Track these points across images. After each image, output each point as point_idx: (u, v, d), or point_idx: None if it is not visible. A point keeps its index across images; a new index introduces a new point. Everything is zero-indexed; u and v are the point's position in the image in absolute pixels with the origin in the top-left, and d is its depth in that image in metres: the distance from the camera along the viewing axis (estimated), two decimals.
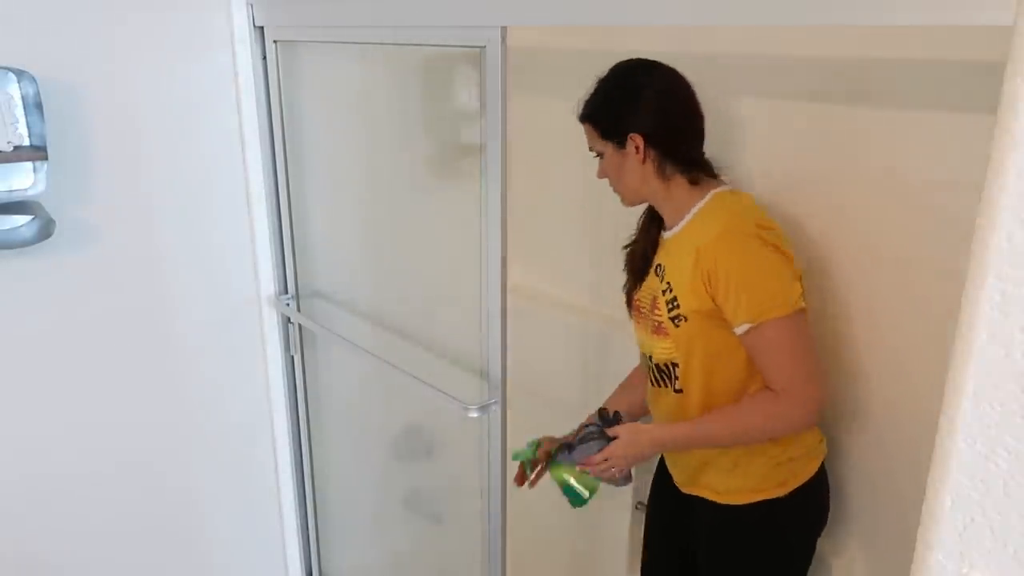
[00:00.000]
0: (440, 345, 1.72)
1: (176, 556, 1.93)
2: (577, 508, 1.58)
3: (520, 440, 1.85)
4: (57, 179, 1.47)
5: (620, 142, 1.42)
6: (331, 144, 1.86)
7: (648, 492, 1.80)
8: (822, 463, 1.52)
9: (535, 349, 1.93)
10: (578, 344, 1.99)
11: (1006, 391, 0.58)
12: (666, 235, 1.48)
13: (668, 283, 1.44)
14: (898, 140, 1.41)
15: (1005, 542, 0.60)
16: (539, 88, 1.92)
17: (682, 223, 1.44)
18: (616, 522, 2.04)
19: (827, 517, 1.55)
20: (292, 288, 1.94)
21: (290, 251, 1.91)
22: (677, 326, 1.43)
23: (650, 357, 1.54)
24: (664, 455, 1.69)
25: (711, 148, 1.54)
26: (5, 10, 1.43)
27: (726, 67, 1.70)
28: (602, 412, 1.58)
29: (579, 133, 1.93)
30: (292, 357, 1.99)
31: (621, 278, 1.76)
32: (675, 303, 1.42)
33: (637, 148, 1.41)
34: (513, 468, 1.63)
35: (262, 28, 1.73)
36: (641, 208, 1.54)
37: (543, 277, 2.03)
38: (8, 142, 1.38)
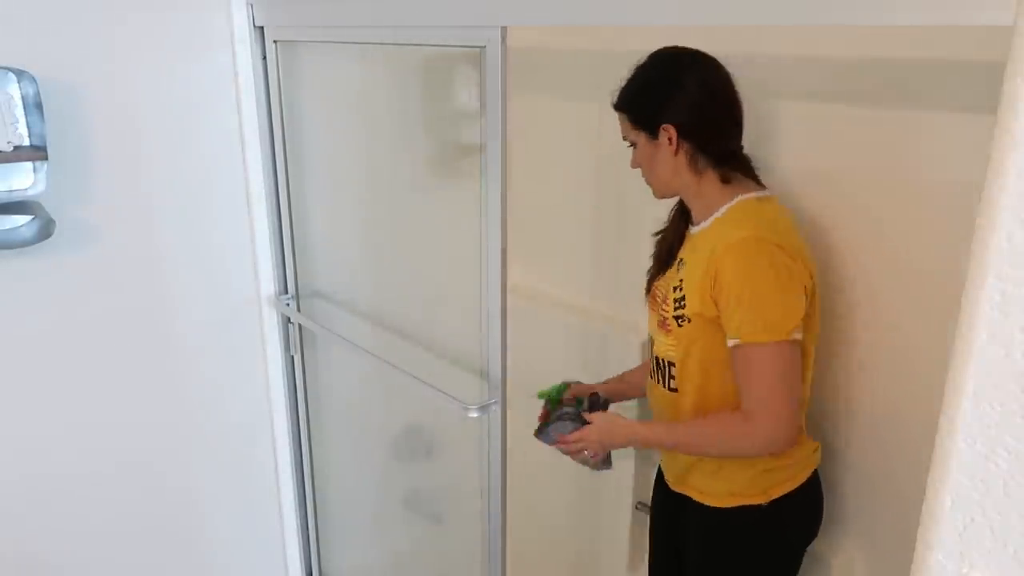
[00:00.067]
0: (440, 345, 1.72)
1: (176, 556, 1.93)
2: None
3: (520, 440, 1.85)
4: (57, 179, 1.47)
5: (653, 132, 1.39)
6: (331, 144, 1.86)
7: (650, 493, 1.80)
8: (814, 472, 1.51)
9: (535, 349, 1.93)
10: (578, 344, 1.99)
11: (1006, 391, 0.58)
12: (692, 230, 1.46)
13: (681, 280, 1.42)
14: (899, 140, 1.41)
15: (1005, 542, 0.60)
16: (539, 88, 1.92)
17: (707, 221, 1.41)
18: (616, 522, 2.04)
19: (816, 528, 1.54)
20: (292, 288, 1.94)
21: (290, 251, 1.91)
22: (680, 326, 1.43)
23: (652, 347, 1.55)
24: (661, 453, 1.70)
25: None
26: (5, 10, 1.43)
27: (727, 67, 1.70)
28: (592, 395, 1.61)
29: (579, 133, 1.94)
30: (292, 357, 1.99)
31: (621, 278, 1.77)
32: (682, 303, 1.42)
33: (670, 139, 1.38)
34: (514, 468, 1.64)
35: (262, 28, 1.73)
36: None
37: (543, 277, 2.04)
38: (8, 142, 1.38)
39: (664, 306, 1.47)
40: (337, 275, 1.97)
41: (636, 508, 1.94)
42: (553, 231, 2.05)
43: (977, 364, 0.59)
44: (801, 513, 1.52)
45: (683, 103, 1.37)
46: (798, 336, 1.33)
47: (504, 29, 1.20)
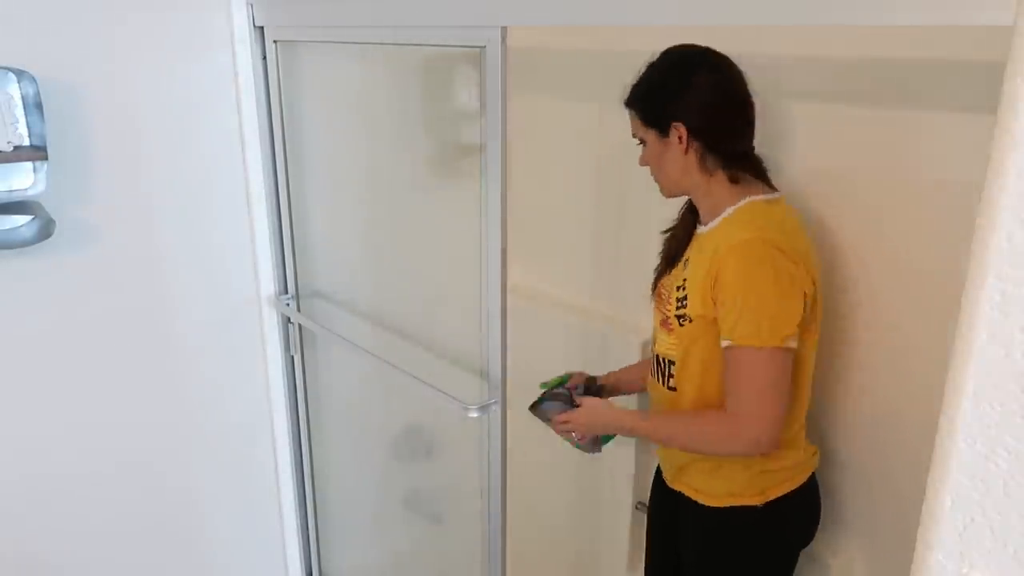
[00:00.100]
0: (440, 345, 1.72)
1: (176, 556, 1.93)
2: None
3: (520, 440, 1.85)
4: (57, 179, 1.47)
5: (663, 131, 1.38)
6: (331, 144, 1.86)
7: (648, 493, 1.80)
8: (811, 476, 1.51)
9: (535, 349, 1.93)
10: (578, 344, 1.99)
11: (1006, 391, 0.58)
12: (700, 230, 1.45)
13: (685, 279, 1.42)
14: (900, 140, 1.41)
15: (1005, 542, 0.60)
16: (539, 88, 1.92)
17: (715, 222, 1.41)
18: (616, 522, 2.04)
19: (812, 531, 1.54)
20: (292, 288, 1.94)
21: (290, 251, 1.91)
22: (681, 325, 1.43)
23: (654, 344, 1.55)
24: (659, 450, 1.70)
25: None
26: (5, 10, 1.43)
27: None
28: (588, 381, 1.63)
29: (579, 133, 1.94)
30: (292, 357, 1.99)
31: (621, 278, 1.77)
32: (684, 302, 1.41)
33: (680, 138, 1.37)
34: (513, 468, 1.64)
35: (262, 28, 1.73)
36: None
37: (543, 277, 2.04)
38: (8, 142, 1.38)
39: (667, 305, 1.47)
40: (337, 275, 1.97)
41: (636, 508, 1.94)
42: (553, 231, 2.05)
43: (977, 364, 0.59)
44: (797, 516, 1.52)
45: (695, 102, 1.36)
46: (792, 344, 1.32)
47: (504, 29, 1.20)
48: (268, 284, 1.90)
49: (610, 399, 1.65)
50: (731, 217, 1.38)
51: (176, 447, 1.86)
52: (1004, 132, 0.55)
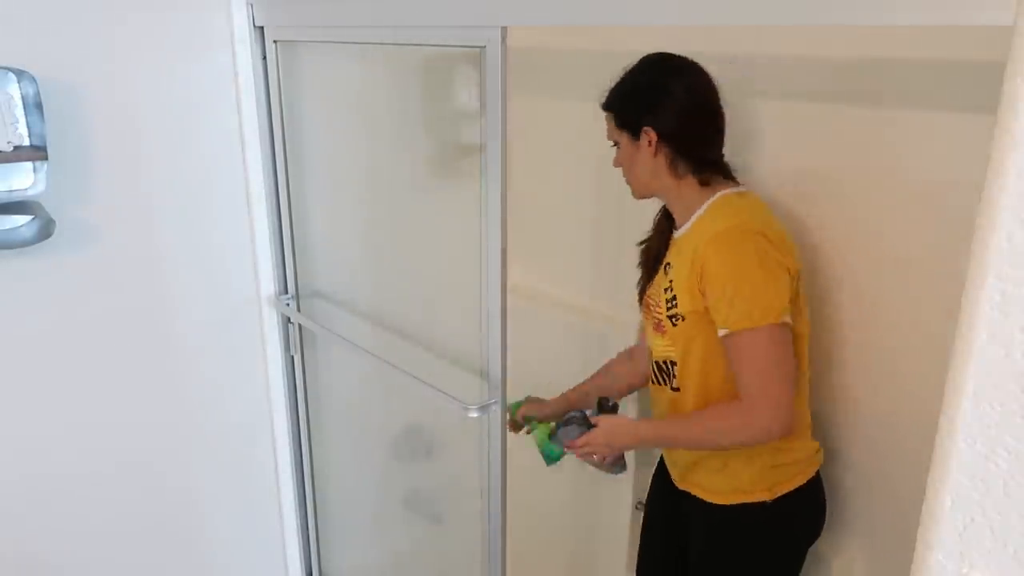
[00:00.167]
0: (440, 345, 1.72)
1: (176, 556, 1.93)
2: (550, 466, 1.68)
3: (520, 440, 1.85)
4: (57, 179, 1.47)
5: (634, 134, 1.43)
6: (331, 144, 1.86)
7: (647, 491, 1.80)
8: (816, 473, 1.51)
9: (535, 349, 1.93)
10: (578, 344, 1.99)
11: (1006, 391, 0.58)
12: (676, 234, 1.48)
13: (671, 281, 1.45)
14: (898, 140, 1.41)
15: (1005, 542, 0.60)
16: (539, 88, 1.92)
17: (689, 223, 1.44)
18: (616, 522, 2.04)
19: (820, 528, 1.55)
20: (292, 288, 1.94)
21: (290, 251, 1.91)
22: (675, 325, 1.44)
23: (651, 354, 1.55)
24: (664, 452, 1.70)
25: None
26: (5, 10, 1.43)
27: (726, 67, 1.70)
28: (600, 400, 1.62)
29: (579, 133, 1.93)
30: (292, 357, 1.99)
31: (621, 278, 1.76)
32: (674, 302, 1.43)
33: (650, 142, 1.41)
34: (513, 468, 1.64)
35: (262, 28, 1.73)
36: (647, 204, 1.54)
37: (543, 277, 2.04)
38: (8, 142, 1.38)
39: (657, 309, 1.49)
40: (337, 275, 1.97)
41: (636, 508, 1.94)
42: (553, 231, 2.05)
43: (977, 364, 0.59)
44: (806, 511, 1.53)
45: (668, 109, 1.40)
46: (787, 319, 1.34)
47: (504, 29, 1.20)
48: (268, 284, 1.90)
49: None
50: (705, 214, 1.42)
51: (176, 447, 1.86)
52: (1004, 132, 0.55)
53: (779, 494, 1.46)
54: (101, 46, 1.56)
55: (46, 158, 1.41)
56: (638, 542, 1.83)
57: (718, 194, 1.42)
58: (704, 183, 1.43)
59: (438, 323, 1.80)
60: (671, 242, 1.50)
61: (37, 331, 1.60)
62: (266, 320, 1.92)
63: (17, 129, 1.38)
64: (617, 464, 1.63)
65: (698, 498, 1.54)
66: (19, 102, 1.38)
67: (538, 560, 2.30)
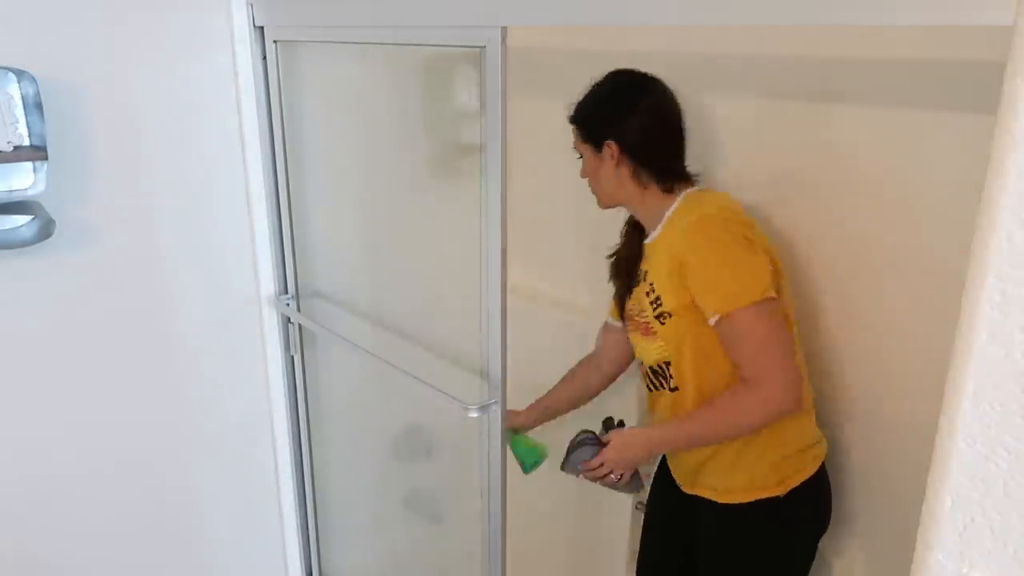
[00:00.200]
0: (440, 345, 1.72)
1: (176, 556, 1.93)
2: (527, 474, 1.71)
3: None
4: (57, 179, 1.47)
5: (597, 147, 1.49)
6: (331, 144, 1.86)
7: (648, 493, 1.80)
8: (822, 464, 1.52)
9: (535, 349, 1.93)
10: (578, 344, 1.99)
11: (1006, 391, 0.58)
12: (648, 241, 1.53)
13: (651, 284, 1.48)
14: (897, 140, 1.41)
15: (1005, 542, 0.60)
16: (539, 88, 1.92)
17: (660, 227, 1.48)
18: (616, 522, 2.04)
19: (828, 519, 1.55)
20: (292, 288, 1.94)
21: (290, 251, 1.91)
22: (663, 324, 1.46)
23: (643, 363, 1.56)
24: (666, 456, 1.70)
25: (699, 146, 1.56)
26: (5, 10, 1.43)
27: (724, 67, 1.70)
28: (605, 420, 1.62)
29: None
30: (292, 357, 1.99)
31: None
32: (659, 302, 1.46)
33: (612, 155, 1.47)
34: (514, 468, 1.64)
35: (262, 28, 1.73)
36: (614, 212, 1.60)
37: (543, 277, 2.03)
38: (8, 142, 1.38)
39: (643, 316, 1.51)
40: (337, 275, 1.97)
41: (636, 508, 1.94)
42: (553, 231, 2.05)
43: (977, 364, 0.59)
44: (816, 503, 1.53)
45: (629, 123, 1.47)
46: (772, 293, 1.37)
47: (504, 29, 1.20)
48: (268, 284, 1.90)
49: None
50: (673, 215, 1.46)
51: (176, 447, 1.85)
52: (1004, 132, 0.55)
53: (790, 487, 1.46)
54: (101, 46, 1.56)
55: (46, 158, 1.41)
56: (638, 543, 1.83)
57: (682, 194, 1.47)
58: (667, 190, 1.48)
59: (438, 323, 1.80)
60: (643, 250, 1.54)
61: (37, 331, 1.60)
62: (266, 320, 1.92)
63: (17, 129, 1.38)
64: (633, 481, 1.62)
65: (710, 500, 1.53)
66: (19, 102, 1.38)
67: (538, 560, 2.30)
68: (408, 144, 1.77)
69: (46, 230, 1.47)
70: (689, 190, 1.48)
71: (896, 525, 1.53)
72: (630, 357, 1.72)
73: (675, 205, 1.47)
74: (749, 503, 1.48)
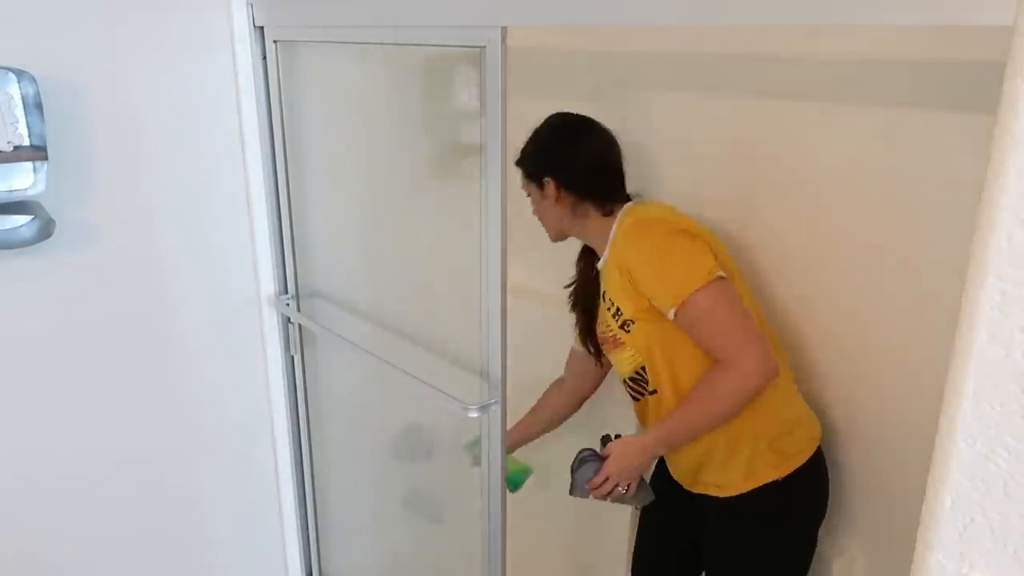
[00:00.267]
0: (440, 345, 1.72)
1: (176, 556, 1.93)
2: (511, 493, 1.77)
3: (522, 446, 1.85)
4: (57, 179, 1.47)
5: (539, 184, 1.62)
6: (331, 144, 1.86)
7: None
8: (818, 449, 1.53)
9: (535, 349, 1.93)
10: None
11: (1006, 391, 0.58)
12: (600, 264, 1.61)
13: (610, 300, 1.53)
14: (898, 140, 1.41)
15: (1005, 542, 0.61)
16: (539, 88, 1.92)
17: (607, 248, 1.57)
18: (616, 522, 2.04)
19: (826, 505, 1.56)
20: (292, 288, 1.94)
21: (290, 251, 1.91)
22: (628, 331, 1.50)
23: (622, 377, 1.61)
24: (664, 459, 1.71)
25: (690, 146, 1.56)
26: (5, 10, 1.43)
27: (724, 67, 1.70)
28: (603, 437, 1.64)
29: None
30: (292, 357, 1.99)
31: None
32: (619, 312, 1.51)
33: (552, 191, 1.59)
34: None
35: (262, 28, 1.73)
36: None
37: (543, 277, 2.04)
38: (8, 142, 1.38)
39: (609, 331, 1.57)
40: (337, 275, 1.97)
41: (636, 509, 1.94)
42: None
43: (977, 364, 0.59)
44: (812, 488, 1.55)
45: (564, 161, 1.60)
46: (722, 273, 1.42)
47: (504, 29, 1.20)
48: (268, 284, 1.90)
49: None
50: (616, 232, 1.57)
51: (176, 447, 1.85)
52: (1004, 132, 0.55)
53: (788, 472, 1.48)
54: (101, 46, 1.56)
55: (46, 158, 1.41)
56: None
57: (621, 211, 1.57)
58: (607, 213, 1.58)
59: (438, 323, 1.80)
60: (599, 274, 1.62)
61: (37, 331, 1.60)
62: (266, 320, 1.92)
63: (17, 129, 1.38)
64: (642, 492, 1.63)
65: (714, 497, 1.55)
66: (19, 102, 1.37)
67: (538, 560, 2.30)
68: (408, 144, 1.77)
69: (46, 230, 1.47)
70: (626, 206, 1.57)
71: (896, 525, 1.54)
72: (596, 382, 1.84)
73: (616, 224, 1.56)
74: (749, 492, 1.50)
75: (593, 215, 1.59)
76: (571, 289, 1.76)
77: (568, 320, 1.96)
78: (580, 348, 1.80)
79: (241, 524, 2.03)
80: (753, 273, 1.70)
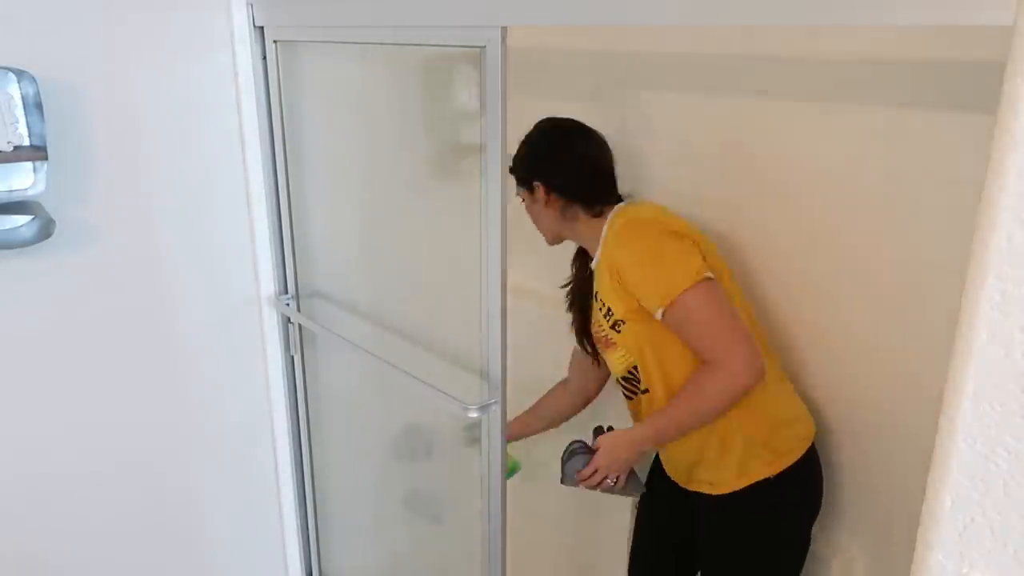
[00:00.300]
0: (440, 345, 1.72)
1: (176, 556, 1.93)
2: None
3: (521, 440, 1.85)
4: (57, 179, 1.47)
5: (530, 189, 1.64)
6: (331, 144, 1.86)
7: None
8: (812, 446, 1.53)
9: (535, 349, 1.93)
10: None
11: (1006, 391, 0.58)
12: (593, 264, 1.62)
13: (602, 300, 1.54)
14: (897, 140, 1.41)
15: (1005, 542, 0.61)
16: (539, 88, 1.92)
17: (599, 248, 1.58)
18: (616, 522, 2.04)
19: (820, 503, 1.57)
20: (292, 288, 1.94)
21: (290, 251, 1.91)
22: (619, 331, 1.51)
23: (616, 377, 1.62)
24: (659, 457, 1.71)
25: (690, 146, 1.56)
26: (5, 10, 1.43)
27: (722, 66, 1.70)
28: (595, 429, 1.66)
29: None
30: (292, 357, 1.99)
31: None
32: (610, 312, 1.53)
33: (541, 195, 1.61)
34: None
35: (262, 28, 1.73)
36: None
37: (543, 277, 2.04)
38: (8, 142, 1.38)
39: (601, 331, 1.57)
40: (337, 275, 1.97)
41: (636, 508, 1.94)
42: None
43: (977, 364, 0.59)
44: (804, 485, 1.56)
45: (551, 165, 1.62)
46: (709, 274, 1.43)
47: (504, 29, 1.20)
48: (268, 284, 1.90)
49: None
50: (607, 233, 1.58)
51: (176, 447, 1.85)
52: (1004, 132, 0.55)
53: (780, 469, 1.49)
54: (101, 46, 1.56)
55: (46, 158, 1.41)
56: None
57: (611, 213, 1.58)
58: (596, 215, 1.59)
59: (438, 323, 1.80)
60: (592, 274, 1.63)
61: (37, 331, 1.60)
62: (266, 320, 1.92)
63: (17, 129, 1.38)
64: (632, 483, 1.64)
65: (708, 495, 1.56)
66: (19, 102, 1.37)
67: (538, 560, 2.30)
68: (408, 144, 1.77)
69: (46, 230, 1.47)
70: (617, 207, 1.58)
71: (895, 525, 1.54)
72: (600, 382, 1.84)
73: (607, 225, 1.57)
74: (742, 489, 1.51)
75: (583, 218, 1.61)
76: (567, 289, 1.77)
77: (567, 321, 1.97)
78: (580, 349, 1.81)
79: (241, 524, 2.03)
80: (753, 273, 1.70)
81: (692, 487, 1.60)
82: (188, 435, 1.86)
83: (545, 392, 1.97)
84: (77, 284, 1.62)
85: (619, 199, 1.62)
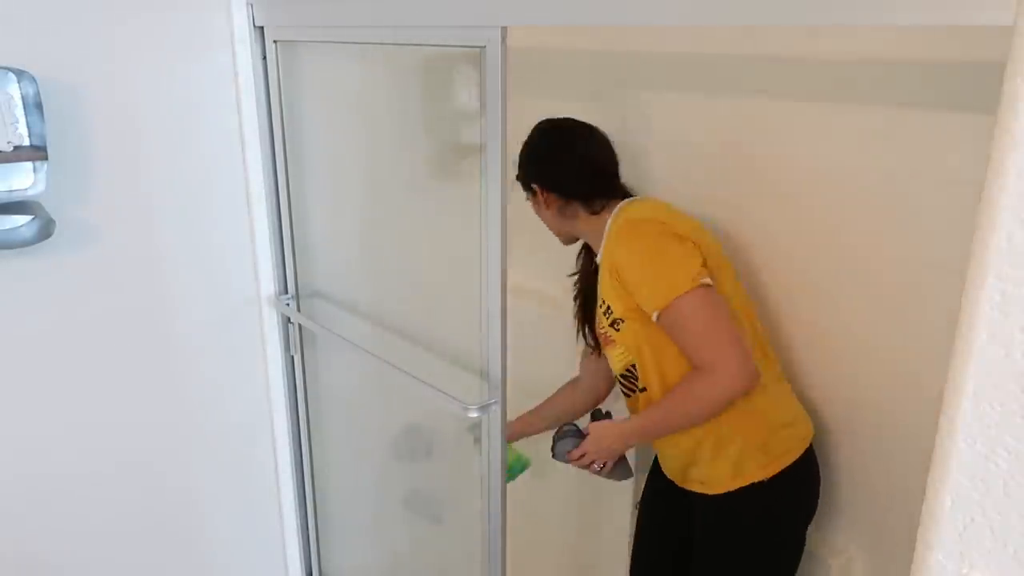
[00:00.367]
0: (440, 345, 1.72)
1: (176, 556, 1.93)
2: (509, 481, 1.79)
3: (520, 440, 1.85)
4: (57, 179, 1.47)
5: (531, 191, 1.65)
6: (331, 144, 1.86)
7: (641, 494, 1.80)
8: (809, 448, 1.53)
9: (535, 349, 1.93)
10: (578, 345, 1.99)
11: (1006, 391, 0.58)
12: (598, 259, 1.62)
13: (602, 298, 1.53)
14: (897, 140, 1.41)
15: (1005, 542, 0.61)
16: (539, 88, 1.92)
17: (602, 245, 1.59)
18: (616, 522, 2.04)
19: (816, 504, 1.57)
20: (292, 288, 1.94)
21: (290, 251, 1.91)
22: (618, 330, 1.52)
23: (615, 374, 1.63)
24: (657, 456, 1.72)
25: (690, 146, 1.56)
26: (5, 10, 1.43)
27: (722, 66, 1.70)
28: (593, 412, 1.68)
29: None
30: (292, 357, 1.99)
31: None
32: (609, 310, 1.53)
33: (542, 196, 1.63)
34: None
35: (262, 28, 1.73)
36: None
37: (543, 277, 2.04)
38: (8, 142, 1.38)
39: (602, 328, 1.58)
40: (337, 275, 1.97)
41: (636, 508, 1.94)
42: None
43: (977, 364, 0.59)
44: (799, 487, 1.56)
45: (550, 167, 1.63)
46: (707, 280, 1.43)
47: (504, 29, 1.20)
48: (268, 284, 1.90)
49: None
50: (610, 230, 1.57)
51: (176, 447, 1.85)
52: (1004, 132, 0.55)
53: (775, 472, 1.49)
54: (101, 46, 1.56)
55: (46, 158, 1.41)
56: None
57: (615, 210, 1.58)
58: (595, 212, 1.60)
59: (438, 323, 1.80)
60: (597, 270, 1.63)
61: (37, 331, 1.60)
62: (266, 320, 1.92)
63: (17, 129, 1.38)
64: (619, 469, 1.66)
65: (702, 494, 1.56)
66: (19, 102, 1.37)
67: (538, 560, 2.30)
68: (408, 144, 1.77)
69: (46, 230, 1.47)
70: (621, 204, 1.58)
71: (894, 525, 1.54)
72: (611, 381, 1.82)
73: (610, 222, 1.57)
74: (735, 491, 1.51)
75: (582, 215, 1.61)
76: (574, 279, 1.78)
77: (568, 321, 1.97)
78: (589, 348, 1.81)
79: (241, 524, 2.03)
80: (753, 272, 1.70)
81: (687, 486, 1.60)
82: (188, 435, 1.86)
83: (549, 391, 1.96)
84: (77, 284, 1.62)
85: (624, 195, 1.62)
